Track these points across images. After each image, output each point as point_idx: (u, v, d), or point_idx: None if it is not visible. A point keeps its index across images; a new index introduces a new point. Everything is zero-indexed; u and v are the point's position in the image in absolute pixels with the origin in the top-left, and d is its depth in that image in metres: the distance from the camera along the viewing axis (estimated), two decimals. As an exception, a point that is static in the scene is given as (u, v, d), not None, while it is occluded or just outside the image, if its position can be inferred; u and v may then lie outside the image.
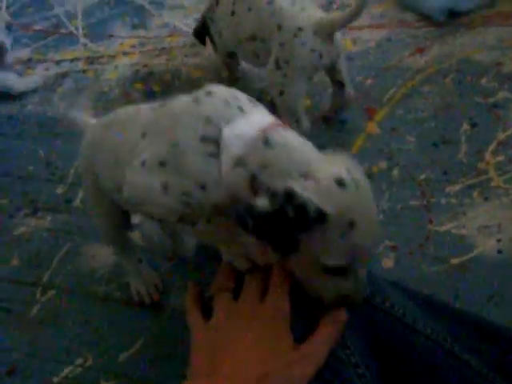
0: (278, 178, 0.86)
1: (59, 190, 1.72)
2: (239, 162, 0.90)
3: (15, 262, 1.55)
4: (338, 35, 1.63)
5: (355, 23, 1.68)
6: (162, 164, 0.97)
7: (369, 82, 1.95)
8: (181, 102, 1.01)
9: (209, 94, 0.98)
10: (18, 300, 1.48)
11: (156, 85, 2.04)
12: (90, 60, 2.23)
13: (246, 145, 0.91)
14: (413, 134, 1.74)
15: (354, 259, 0.86)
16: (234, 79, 2.00)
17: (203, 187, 0.93)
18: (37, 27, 2.48)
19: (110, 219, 1.32)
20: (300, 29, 1.57)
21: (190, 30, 2.24)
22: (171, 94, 1.02)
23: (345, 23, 1.59)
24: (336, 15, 1.60)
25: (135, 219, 1.54)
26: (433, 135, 1.73)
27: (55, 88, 2.11)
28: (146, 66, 2.15)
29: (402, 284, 1.02)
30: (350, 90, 1.75)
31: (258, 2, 1.64)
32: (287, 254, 0.87)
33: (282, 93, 1.63)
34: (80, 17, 2.51)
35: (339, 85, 1.74)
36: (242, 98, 0.98)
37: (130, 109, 1.18)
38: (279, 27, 1.59)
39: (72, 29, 2.44)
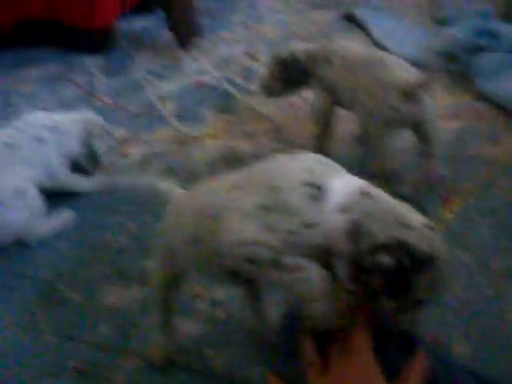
0: (382, 227, 0.98)
1: (147, 263, 1.83)
2: (343, 209, 1.00)
3: (104, 329, 1.65)
4: (425, 97, 1.81)
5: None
6: (266, 207, 1.04)
7: (444, 171, 2.02)
8: (273, 160, 1.13)
9: (303, 155, 1.11)
10: (102, 366, 1.57)
11: (242, 167, 2.15)
12: (180, 141, 2.38)
13: (349, 195, 1.01)
14: (487, 224, 1.78)
15: (435, 293, 1.00)
16: (324, 136, 2.16)
17: (307, 226, 1.01)
18: (131, 108, 2.66)
19: (168, 279, 1.42)
20: (390, 83, 1.81)
21: (273, 116, 2.39)
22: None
23: (421, 85, 1.78)
24: (417, 78, 1.79)
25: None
26: (507, 226, 1.77)
27: (147, 167, 2.26)
28: (232, 148, 2.28)
29: (478, 373, 1.07)
30: (435, 164, 1.93)
31: (371, 60, 1.91)
32: (401, 299, 0.98)
33: (369, 134, 1.91)
34: (171, 100, 2.68)
35: (425, 154, 1.94)
36: (331, 162, 1.10)
37: (215, 180, 1.29)
38: (376, 82, 1.84)
39: (163, 111, 2.60)
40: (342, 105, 2.08)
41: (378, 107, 1.84)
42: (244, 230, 1.05)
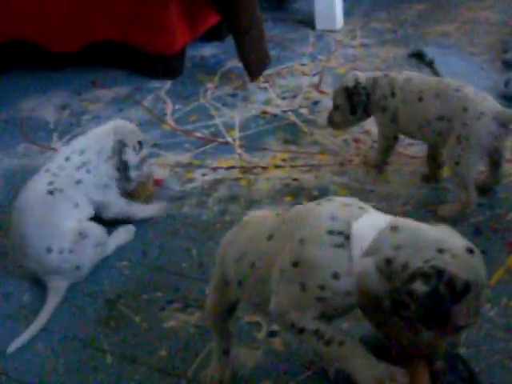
0: (416, 255, 0.99)
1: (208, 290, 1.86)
2: (370, 251, 1.03)
3: (163, 352, 1.68)
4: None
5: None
6: (295, 264, 1.10)
7: (510, 215, 1.99)
8: (302, 205, 1.21)
9: (329, 199, 1.16)
10: (162, 389, 1.60)
11: (304, 199, 2.17)
12: (244, 169, 2.41)
13: (376, 234, 1.04)
14: (553, 272, 1.76)
15: (474, 318, 1.02)
16: (385, 162, 2.28)
17: (336, 276, 1.05)
18: (198, 134, 2.71)
19: (220, 304, 1.45)
20: (482, 113, 1.90)
21: (338, 150, 2.40)
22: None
23: None
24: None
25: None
26: None
27: (211, 193, 2.29)
28: (295, 180, 2.30)
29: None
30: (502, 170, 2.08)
31: (447, 89, 2.00)
32: (440, 329, 1.00)
33: (457, 163, 1.95)
34: (237, 128, 2.72)
35: (496, 164, 2.06)
36: (359, 201, 1.16)
37: (260, 214, 1.42)
38: (465, 109, 1.92)
39: (229, 139, 2.65)
40: (407, 134, 2.19)
41: (476, 136, 1.92)
42: (284, 293, 1.12)
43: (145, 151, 2.22)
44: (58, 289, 1.89)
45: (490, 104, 1.95)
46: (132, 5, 3.12)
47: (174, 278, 1.93)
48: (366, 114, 2.23)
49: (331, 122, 2.32)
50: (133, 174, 2.15)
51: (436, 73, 2.99)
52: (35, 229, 1.91)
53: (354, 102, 2.19)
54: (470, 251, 1.02)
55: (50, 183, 1.98)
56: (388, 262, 1.02)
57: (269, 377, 1.57)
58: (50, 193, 1.96)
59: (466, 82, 2.74)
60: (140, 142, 2.18)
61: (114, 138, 2.13)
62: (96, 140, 2.12)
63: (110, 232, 2.07)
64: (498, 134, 1.92)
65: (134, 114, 2.96)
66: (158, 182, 2.36)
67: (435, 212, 2.04)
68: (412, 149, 2.41)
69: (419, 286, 0.97)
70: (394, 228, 1.05)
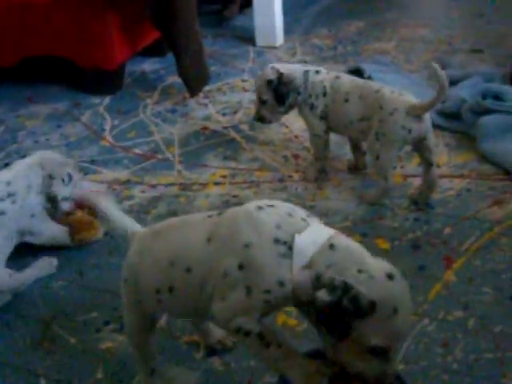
0: (338, 275, 1.06)
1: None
2: (309, 264, 1.10)
3: (99, 374, 1.64)
4: (427, 115, 2.06)
5: (438, 172, 2.16)
6: (240, 267, 1.13)
7: (447, 230, 2.02)
8: (242, 209, 1.21)
9: (271, 205, 1.19)
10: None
11: (244, 216, 2.16)
12: (183, 186, 2.39)
13: (315, 249, 1.10)
14: (489, 286, 1.78)
15: (394, 342, 1.07)
16: (324, 169, 2.35)
17: (281, 284, 1.11)
18: (137, 151, 2.68)
19: (140, 323, 1.41)
20: (395, 109, 2.03)
21: (279, 166, 2.41)
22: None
23: (431, 107, 2.05)
24: (425, 101, 2.04)
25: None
26: (509, 288, 1.77)
27: (149, 210, 2.26)
28: (235, 196, 2.29)
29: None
30: (435, 171, 2.13)
31: (368, 90, 2.14)
32: (341, 339, 1.06)
33: (377, 157, 2.10)
34: (176, 144, 2.70)
35: (427, 164, 2.12)
36: (301, 211, 1.20)
37: (177, 219, 1.38)
38: (381, 107, 2.06)
39: (169, 155, 2.62)
40: (336, 131, 2.31)
41: (391, 131, 2.05)
42: (230, 297, 1.14)
43: (74, 182, 2.12)
44: None
45: (404, 99, 2.07)
46: (70, 19, 3.09)
47: (110, 297, 1.88)
48: (291, 106, 2.31)
49: (261, 119, 2.35)
50: (64, 205, 2.08)
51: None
52: None
53: (281, 94, 2.24)
54: (390, 276, 1.08)
55: None
56: (317, 277, 1.09)
57: (208, 397, 1.54)
58: None
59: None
60: (70, 175, 2.09)
61: (43, 172, 2.03)
62: (23, 174, 2.00)
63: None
64: (413, 127, 2.04)
65: (72, 129, 2.91)
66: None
67: (374, 228, 2.05)
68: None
69: (322, 294, 1.05)
70: (331, 246, 1.11)
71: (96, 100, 3.18)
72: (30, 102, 3.22)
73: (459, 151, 2.47)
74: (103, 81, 3.20)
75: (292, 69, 2.29)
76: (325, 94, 2.22)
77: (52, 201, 2.04)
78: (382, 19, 4.10)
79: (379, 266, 1.10)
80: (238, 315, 1.14)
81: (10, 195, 1.94)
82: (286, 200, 2.20)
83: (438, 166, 2.35)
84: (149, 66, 3.55)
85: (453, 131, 2.61)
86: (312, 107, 2.25)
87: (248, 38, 3.79)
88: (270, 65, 2.35)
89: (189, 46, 2.99)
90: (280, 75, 2.24)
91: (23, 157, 2.10)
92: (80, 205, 2.16)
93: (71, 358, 1.70)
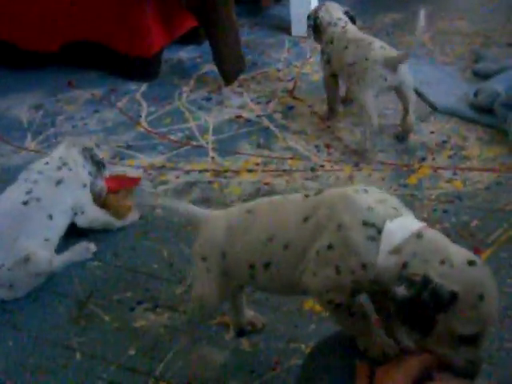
0: (422, 265, 1.07)
1: (178, 290, 1.88)
2: (396, 250, 1.11)
3: (132, 351, 1.70)
4: (402, 68, 2.40)
5: (467, 164, 2.29)
6: (330, 247, 1.18)
7: (475, 222, 2.05)
8: (338, 191, 1.25)
9: (365, 190, 1.21)
10: (131, 387, 1.62)
11: (275, 203, 2.21)
12: (217, 173, 2.44)
13: (404, 237, 1.11)
14: (516, 277, 1.81)
15: (482, 328, 1.05)
16: (333, 109, 2.79)
17: (364, 266, 1.14)
18: (172, 137, 2.74)
19: (221, 294, 1.46)
20: (375, 61, 2.39)
21: (311, 155, 2.45)
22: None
23: (400, 61, 2.38)
24: (398, 54, 2.41)
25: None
26: (535, 280, 1.80)
27: (183, 195, 2.32)
28: (267, 184, 2.34)
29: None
30: (411, 119, 2.51)
31: (363, 42, 2.48)
32: (427, 334, 1.06)
33: (356, 99, 2.50)
34: (211, 132, 2.75)
35: (405, 111, 2.51)
36: (393, 199, 1.21)
37: (269, 200, 1.42)
38: (366, 59, 2.41)
39: (203, 142, 2.67)
40: (338, 74, 2.67)
41: (369, 78, 2.41)
42: (321, 274, 1.20)
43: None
44: None
45: (384, 53, 2.41)
46: (110, 6, 3.15)
47: (144, 278, 1.95)
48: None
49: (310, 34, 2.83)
50: (99, 182, 2.22)
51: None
52: None
53: (309, 26, 2.77)
54: (471, 263, 1.06)
55: (28, 192, 1.99)
56: (404, 265, 1.09)
57: (235, 376, 1.59)
58: (25, 203, 1.97)
59: (436, 91, 2.83)
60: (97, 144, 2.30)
61: (78, 149, 2.19)
62: (66, 152, 2.16)
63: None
64: (388, 77, 2.39)
65: (109, 115, 2.99)
66: (134, 182, 2.38)
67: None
68: (382, 155, 2.46)
69: (400, 291, 1.05)
70: (419, 235, 1.11)
71: (133, 86, 3.25)
72: (69, 86, 3.30)
73: (490, 145, 2.48)
74: (140, 68, 3.27)
75: (330, 15, 2.69)
76: (332, 42, 2.62)
77: (98, 163, 2.21)
78: (417, 11, 4.10)
79: (461, 254, 1.08)
80: (331, 290, 1.19)
81: (64, 164, 2.10)
82: (317, 189, 2.27)
83: (469, 159, 2.38)
84: (185, 53, 3.61)
85: (485, 125, 2.61)
86: (322, 52, 2.69)
87: (284, 27, 3.82)
88: (325, 3, 2.77)
89: (225, 35, 3.03)
90: (315, 15, 2.72)
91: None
92: (112, 189, 2.27)
93: (105, 334, 1.77)
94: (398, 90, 2.47)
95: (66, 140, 2.26)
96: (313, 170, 2.40)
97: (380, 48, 2.43)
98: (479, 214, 2.09)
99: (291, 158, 2.49)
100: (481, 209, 2.12)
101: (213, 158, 2.55)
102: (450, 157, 2.42)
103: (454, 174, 2.31)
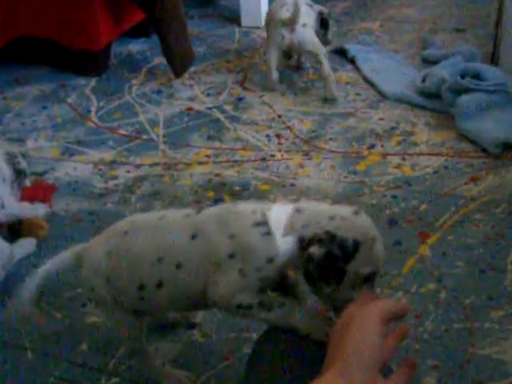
0: (316, 228, 1.16)
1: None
2: (287, 230, 1.19)
3: (84, 347, 1.69)
4: (299, 29, 2.76)
5: (416, 150, 2.32)
6: (231, 256, 1.22)
7: (424, 206, 2.08)
8: (219, 207, 1.32)
9: (237, 204, 1.29)
10: (83, 383, 1.61)
11: (226, 194, 2.22)
12: (167, 166, 2.43)
13: (286, 218, 1.20)
14: (462, 260, 1.84)
15: (378, 266, 1.18)
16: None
17: (271, 260, 1.19)
18: (122, 131, 2.72)
19: (126, 322, 1.44)
20: (275, 22, 2.80)
21: (261, 145, 2.45)
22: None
23: (292, 22, 2.74)
24: (291, 16, 2.74)
25: (196, 319, 1.69)
26: (481, 262, 1.83)
27: (134, 190, 2.30)
28: (218, 175, 2.34)
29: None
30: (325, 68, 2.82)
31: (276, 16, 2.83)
32: (338, 283, 1.16)
33: (264, 54, 2.98)
34: (161, 125, 2.74)
35: (319, 64, 2.84)
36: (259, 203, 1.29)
37: (144, 219, 1.41)
38: (269, 22, 2.86)
39: (153, 135, 2.66)
40: None
41: (272, 37, 2.83)
42: (225, 281, 1.22)
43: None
44: None
45: (282, 15, 2.77)
46: (55, 0, 3.10)
47: (95, 274, 1.94)
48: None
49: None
50: (26, 182, 2.15)
51: (358, 69, 3.08)
52: None
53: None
54: (356, 213, 1.19)
55: None
56: (301, 239, 1.18)
57: (189, 368, 1.59)
58: None
59: (385, 78, 2.87)
60: (23, 154, 2.17)
61: (1, 151, 2.09)
62: None
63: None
64: (285, 35, 2.76)
65: (58, 111, 2.95)
66: (50, 189, 2.32)
67: (352, 204, 2.08)
68: (332, 143, 2.48)
69: (315, 250, 1.14)
70: (298, 210, 1.21)
71: (82, 81, 3.21)
72: (16, 83, 3.25)
73: (438, 130, 2.52)
74: (89, 62, 3.23)
75: None
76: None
77: (19, 175, 2.09)
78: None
79: (343, 208, 1.21)
80: (237, 293, 1.22)
81: None
82: (268, 179, 2.28)
83: (418, 145, 2.42)
84: (135, 46, 3.58)
85: (433, 110, 2.66)
86: None
87: (233, 18, 3.82)
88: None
89: (173, 27, 3.01)
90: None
91: None
92: (27, 197, 2.17)
93: (57, 332, 1.75)
94: (295, 48, 2.86)
95: None
96: (263, 160, 2.41)
97: (286, 11, 2.77)
98: (427, 199, 2.12)
99: (242, 149, 2.50)
100: (429, 193, 2.15)
101: (163, 151, 2.54)
102: (398, 143, 2.45)
103: (403, 159, 2.34)
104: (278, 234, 1.20)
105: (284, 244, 1.19)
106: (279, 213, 1.22)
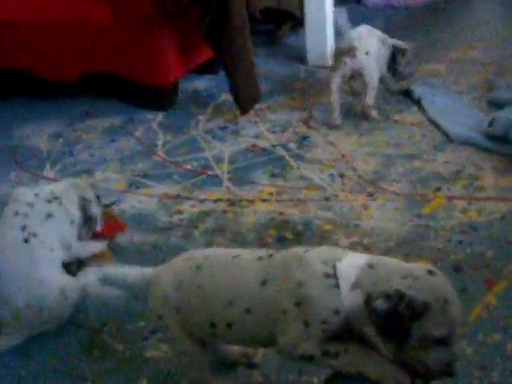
0: (386, 287, 1.17)
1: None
2: (354, 286, 1.20)
3: (144, 382, 1.70)
4: (360, 56, 2.91)
5: (483, 194, 2.30)
6: (297, 304, 1.25)
7: (490, 253, 2.04)
8: (290, 252, 1.33)
9: (307, 250, 1.31)
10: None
11: (289, 233, 2.22)
12: (231, 202, 2.45)
13: (357, 272, 1.21)
14: (531, 309, 1.79)
15: (453, 328, 1.17)
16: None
17: (337, 312, 1.22)
18: (187, 166, 2.76)
19: (198, 359, 1.49)
20: (338, 50, 2.97)
21: (325, 185, 2.45)
22: (302, 243, 1.28)
23: (348, 51, 2.90)
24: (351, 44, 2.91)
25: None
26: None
27: (198, 225, 2.33)
28: (281, 213, 2.34)
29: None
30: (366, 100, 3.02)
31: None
32: (403, 342, 1.17)
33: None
34: (226, 161, 2.77)
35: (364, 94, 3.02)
36: (333, 249, 1.34)
37: (216, 255, 1.46)
38: (335, 52, 3.03)
39: (218, 172, 2.69)
40: None
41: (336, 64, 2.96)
42: (289, 331, 1.26)
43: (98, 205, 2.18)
44: (13, 338, 1.87)
45: (346, 43, 2.94)
46: (127, 38, 3.19)
47: (158, 308, 1.95)
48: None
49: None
50: (98, 225, 2.15)
51: (423, 110, 3.06)
52: (17, 285, 1.84)
53: None
54: (431, 272, 1.20)
55: (23, 228, 1.90)
56: (368, 296, 1.19)
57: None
58: (25, 241, 1.89)
59: (451, 121, 2.84)
60: (97, 196, 2.18)
61: (77, 192, 2.09)
62: (63, 187, 2.08)
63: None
64: (347, 61, 2.90)
65: (126, 144, 3.02)
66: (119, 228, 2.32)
67: (416, 248, 2.08)
68: (396, 185, 2.46)
69: (379, 304, 1.16)
70: (370, 266, 1.23)
71: (150, 116, 3.28)
72: (86, 116, 3.34)
73: (506, 174, 2.48)
74: (157, 97, 3.30)
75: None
76: None
77: (90, 221, 2.10)
78: (433, 41, 4.12)
79: (418, 267, 1.22)
80: (299, 344, 1.25)
81: (55, 198, 2.01)
82: (331, 218, 2.27)
83: (484, 189, 2.39)
84: (202, 83, 3.64)
85: (500, 154, 2.61)
86: None
87: (299, 57, 3.86)
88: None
89: (241, 65, 3.06)
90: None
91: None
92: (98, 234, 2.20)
93: (118, 364, 1.77)
94: (357, 74, 2.95)
95: (64, 180, 2.21)
96: (327, 199, 2.40)
97: (349, 41, 2.93)
98: (494, 245, 2.07)
99: (305, 188, 2.50)
100: (496, 239, 2.10)
101: (227, 187, 2.57)
102: (464, 186, 2.42)
103: (469, 203, 2.31)
104: (346, 288, 1.22)
105: (350, 298, 1.21)
106: (349, 267, 1.23)
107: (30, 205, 1.96)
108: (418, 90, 3.22)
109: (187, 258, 1.49)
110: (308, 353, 1.24)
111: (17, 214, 1.94)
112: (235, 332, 1.36)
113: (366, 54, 2.92)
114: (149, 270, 1.58)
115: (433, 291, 1.16)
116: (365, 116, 3.02)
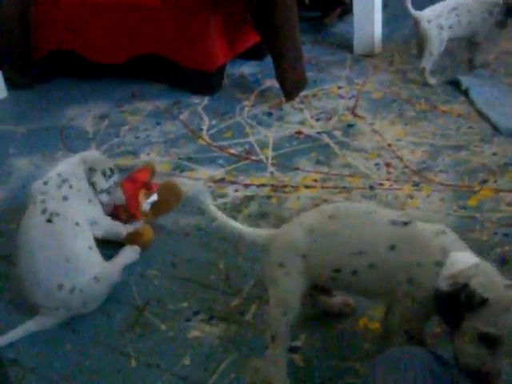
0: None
1: (234, 303, 1.90)
2: (452, 277, 1.29)
3: (186, 361, 1.72)
4: (423, 23, 3.18)
5: None
6: (410, 280, 1.38)
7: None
8: (425, 229, 1.43)
9: (443, 232, 1.42)
10: (183, 397, 1.64)
11: (332, 220, 2.21)
12: (275, 188, 2.46)
13: (462, 267, 1.31)
14: None
15: (505, 334, 1.20)
16: None
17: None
18: (232, 151, 2.77)
19: (302, 292, 1.55)
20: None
21: (370, 173, 2.44)
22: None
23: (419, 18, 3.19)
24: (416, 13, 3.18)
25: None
26: None
27: (241, 209, 2.34)
28: (325, 200, 2.34)
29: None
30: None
31: None
32: (454, 327, 1.26)
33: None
34: (271, 147, 2.77)
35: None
36: (457, 238, 1.43)
37: (351, 209, 1.57)
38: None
39: (262, 157, 2.70)
40: None
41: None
42: (398, 309, 1.43)
43: (116, 177, 2.17)
44: (46, 321, 1.90)
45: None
46: (175, 21, 3.21)
47: (201, 289, 1.98)
48: None
49: None
50: (102, 196, 2.13)
51: (471, 101, 3.01)
52: (46, 265, 1.87)
53: None
54: (508, 286, 1.26)
55: (43, 211, 1.93)
56: (453, 283, 1.28)
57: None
58: (49, 221, 1.91)
59: (500, 113, 2.79)
60: (111, 169, 2.16)
61: (85, 166, 2.10)
62: (69, 167, 2.09)
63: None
64: (416, 28, 3.22)
65: (171, 127, 3.04)
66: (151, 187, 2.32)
67: (462, 240, 2.04)
68: (443, 176, 2.44)
69: (443, 286, 1.27)
70: (476, 265, 1.32)
71: (195, 100, 3.30)
72: (133, 98, 3.37)
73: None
74: (203, 82, 3.32)
75: None
76: None
77: (110, 176, 2.13)
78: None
79: (501, 278, 1.30)
80: (407, 321, 1.42)
81: (64, 181, 2.03)
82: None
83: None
84: (248, 69, 3.65)
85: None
86: None
87: (346, 45, 3.83)
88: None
89: (288, 51, 3.05)
90: None
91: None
92: (117, 208, 2.21)
93: (161, 343, 1.80)
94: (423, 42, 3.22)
95: (75, 155, 2.20)
96: (372, 188, 2.39)
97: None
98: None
99: (350, 176, 2.49)
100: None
101: (272, 172, 2.57)
102: (512, 176, 2.39)
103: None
104: (446, 273, 1.32)
105: (444, 284, 1.30)
106: (460, 259, 1.34)
107: (44, 193, 1.98)
108: (466, 81, 3.18)
109: (317, 210, 1.59)
110: (411, 333, 1.41)
111: (34, 203, 1.96)
112: (357, 280, 1.46)
113: (429, 22, 3.15)
114: (265, 230, 1.71)
115: (499, 296, 1.23)
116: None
